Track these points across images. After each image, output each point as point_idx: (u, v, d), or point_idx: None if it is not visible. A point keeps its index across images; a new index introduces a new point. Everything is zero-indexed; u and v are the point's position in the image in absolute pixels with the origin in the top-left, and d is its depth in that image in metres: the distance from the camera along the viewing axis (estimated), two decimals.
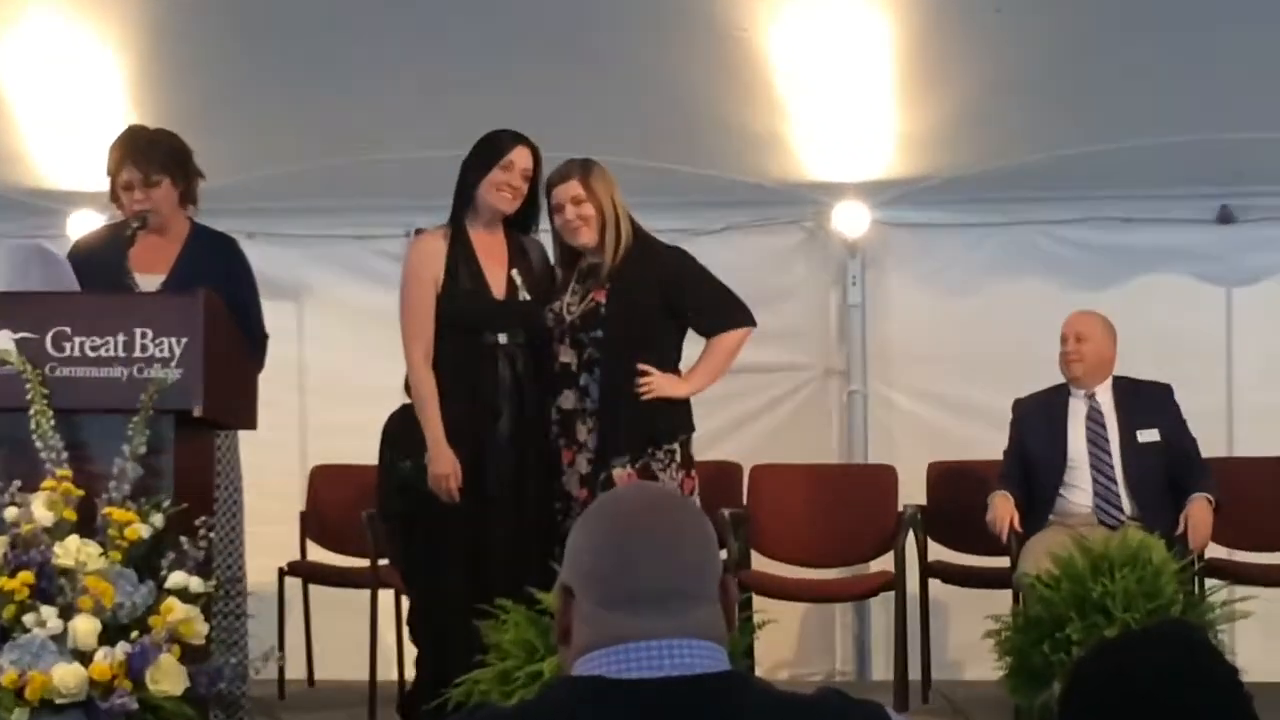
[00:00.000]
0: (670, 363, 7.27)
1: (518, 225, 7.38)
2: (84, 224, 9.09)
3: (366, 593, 8.93)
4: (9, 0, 9.17)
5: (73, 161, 9.55)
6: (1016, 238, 9.91)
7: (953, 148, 9.58)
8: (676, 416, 7.24)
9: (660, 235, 7.46)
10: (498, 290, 7.26)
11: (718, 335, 7.29)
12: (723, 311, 7.33)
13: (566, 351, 7.25)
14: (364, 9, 8.95)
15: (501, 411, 7.20)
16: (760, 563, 9.00)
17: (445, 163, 7.40)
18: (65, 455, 6.13)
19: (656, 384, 7.08)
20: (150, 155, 7.20)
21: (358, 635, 8.93)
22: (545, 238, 7.53)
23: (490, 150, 7.25)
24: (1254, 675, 3.10)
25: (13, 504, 6.01)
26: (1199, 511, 8.10)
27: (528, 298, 7.29)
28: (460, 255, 7.27)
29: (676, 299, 7.28)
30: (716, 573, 2.86)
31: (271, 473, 8.70)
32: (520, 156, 7.24)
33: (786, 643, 9.55)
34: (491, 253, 7.31)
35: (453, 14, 8.84)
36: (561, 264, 7.42)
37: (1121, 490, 8.28)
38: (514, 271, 7.30)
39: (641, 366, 7.04)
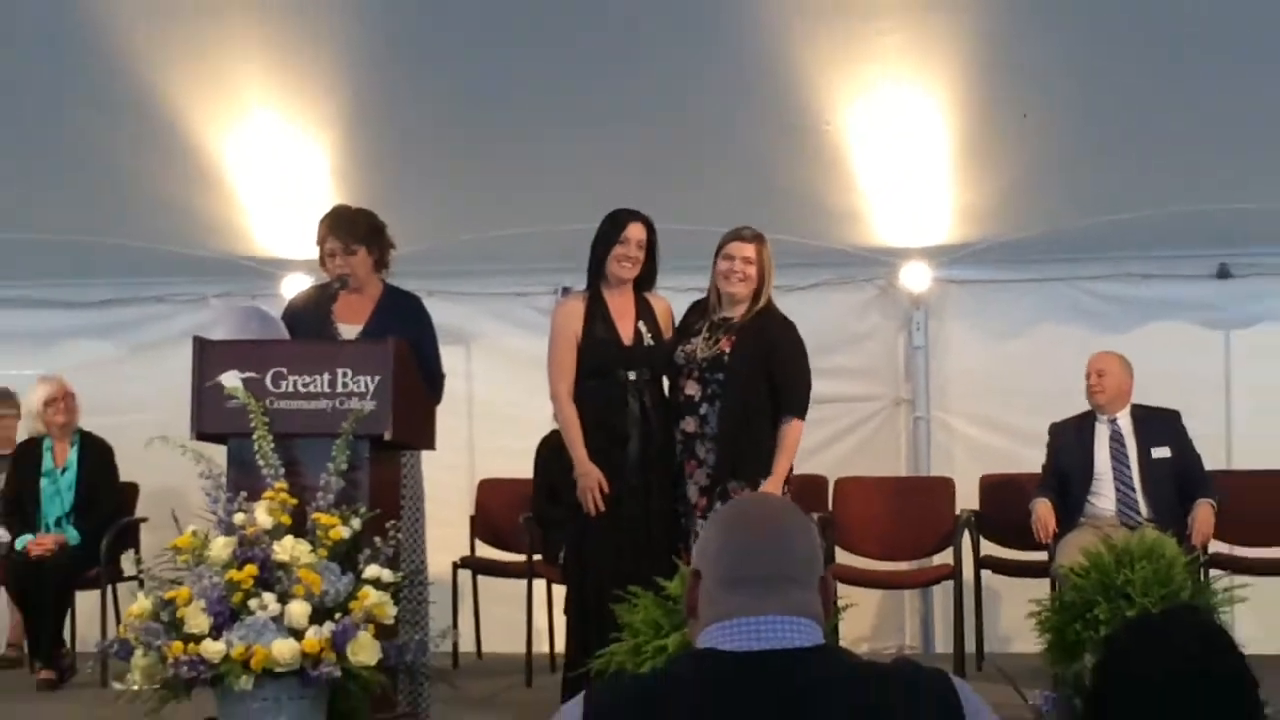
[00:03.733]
0: (766, 406, 7.21)
1: (642, 284, 7.36)
2: (295, 285, 9.16)
3: (524, 582, 8.94)
4: (236, 102, 9.25)
5: (286, 233, 9.63)
6: (1052, 291, 9.84)
7: (1000, 218, 9.53)
8: None
9: None
10: (627, 338, 7.24)
11: (785, 423, 7.18)
12: (794, 397, 7.24)
13: (692, 385, 7.22)
14: (528, 116, 8.98)
15: (630, 436, 7.17)
16: (843, 557, 9.00)
17: (586, 233, 7.38)
18: (282, 472, 6.19)
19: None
20: (351, 229, 7.22)
21: (517, 617, 8.95)
22: (672, 295, 7.53)
23: (611, 228, 7.27)
24: (1251, 649, 3.05)
25: (240, 511, 6.06)
26: (1203, 514, 8.11)
27: (652, 343, 7.27)
28: (597, 313, 7.26)
29: (774, 366, 7.23)
30: (818, 567, 2.86)
31: (447, 485, 8.73)
32: (635, 231, 7.24)
33: (865, 622, 9.51)
34: (622, 310, 7.30)
35: (601, 117, 8.89)
36: (698, 311, 7.40)
37: (1139, 497, 8.26)
38: (640, 324, 7.28)
39: None
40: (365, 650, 5.88)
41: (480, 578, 9.50)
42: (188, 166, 9.55)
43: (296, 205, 9.21)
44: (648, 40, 8.67)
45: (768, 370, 7.23)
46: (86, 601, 9.32)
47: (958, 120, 9.05)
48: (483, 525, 9.67)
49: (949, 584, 8.89)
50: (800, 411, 7.26)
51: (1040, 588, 7.79)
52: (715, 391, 7.18)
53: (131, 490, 9.55)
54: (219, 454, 6.41)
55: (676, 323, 7.43)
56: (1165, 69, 8.62)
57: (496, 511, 9.58)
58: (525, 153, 9.11)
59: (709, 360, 7.21)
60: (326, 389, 6.35)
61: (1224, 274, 9.71)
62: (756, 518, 2.99)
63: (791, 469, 7.29)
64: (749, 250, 7.27)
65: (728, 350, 7.20)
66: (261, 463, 6.19)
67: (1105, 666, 2.97)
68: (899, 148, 9.19)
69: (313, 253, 7.49)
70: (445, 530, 8.46)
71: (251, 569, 5.91)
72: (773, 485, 7.04)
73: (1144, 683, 2.85)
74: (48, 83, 9.12)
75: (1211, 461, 8.63)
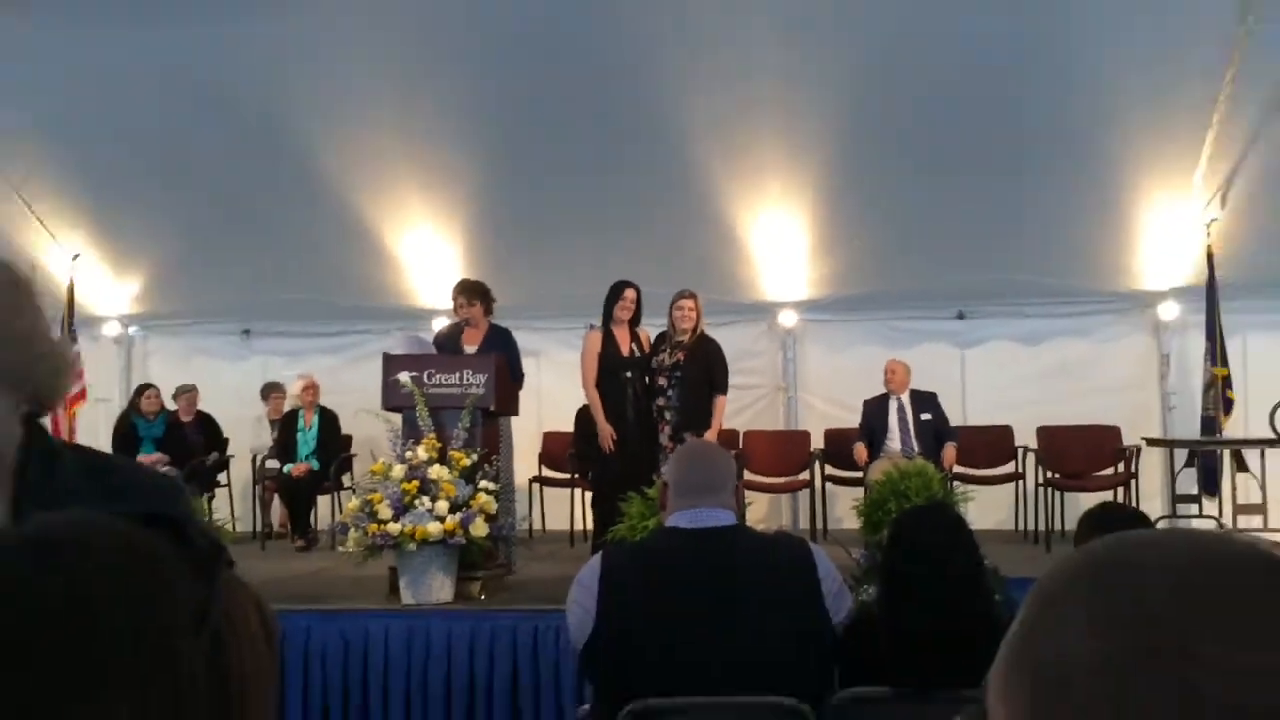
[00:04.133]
0: (707, 391, 7.20)
1: (633, 322, 7.37)
2: (440, 324, 9.09)
3: (569, 490, 8.94)
4: (408, 214, 9.26)
5: (435, 292, 9.58)
6: (868, 326, 9.72)
7: (840, 283, 9.47)
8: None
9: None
10: (625, 353, 7.25)
11: (716, 399, 7.20)
12: (722, 384, 7.25)
13: (662, 379, 7.21)
14: (569, 224, 8.95)
15: (627, 409, 7.16)
16: (749, 476, 8.90)
17: (600, 294, 7.40)
18: (432, 429, 6.18)
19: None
20: (472, 292, 7.26)
21: (565, 509, 8.96)
22: (650, 329, 7.50)
23: (615, 292, 7.30)
24: (975, 526, 3.07)
25: (409, 451, 6.06)
26: (949, 452, 8.07)
27: (639, 355, 7.28)
28: (609, 339, 7.27)
29: (710, 367, 7.23)
30: (733, 481, 2.91)
31: (526, 436, 8.67)
32: (629, 293, 7.28)
33: (760, 512, 9.45)
34: (622, 338, 7.30)
35: (609, 224, 8.86)
36: (662, 339, 7.36)
37: (914, 442, 8.22)
38: (633, 345, 7.30)
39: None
40: (480, 528, 5.90)
41: (545, 488, 9.46)
42: (380, 255, 9.59)
43: (440, 275, 9.24)
44: (634, 184, 8.66)
45: (706, 370, 7.22)
46: (323, 503, 9.35)
47: (815, 220, 9.03)
48: (546, 457, 9.61)
49: (807, 490, 8.87)
50: (725, 391, 7.29)
51: (858, 492, 7.76)
52: (675, 382, 7.18)
53: (348, 439, 9.53)
54: (397, 419, 6.42)
55: (652, 343, 7.41)
56: (938, 196, 8.58)
57: (554, 450, 9.54)
58: (568, 248, 9.12)
59: (671, 365, 7.21)
60: (458, 382, 6.35)
61: (961, 316, 9.66)
62: (699, 453, 3.05)
63: (720, 424, 7.29)
64: (691, 303, 7.29)
65: (682, 359, 7.21)
66: (421, 423, 6.20)
67: (894, 537, 2.97)
68: (779, 237, 9.18)
69: (449, 304, 7.53)
70: (524, 461, 8.41)
71: (415, 483, 5.92)
72: (711, 434, 7.05)
73: (916, 545, 2.84)
74: (297, 211, 9.16)
75: (955, 420, 8.61)
